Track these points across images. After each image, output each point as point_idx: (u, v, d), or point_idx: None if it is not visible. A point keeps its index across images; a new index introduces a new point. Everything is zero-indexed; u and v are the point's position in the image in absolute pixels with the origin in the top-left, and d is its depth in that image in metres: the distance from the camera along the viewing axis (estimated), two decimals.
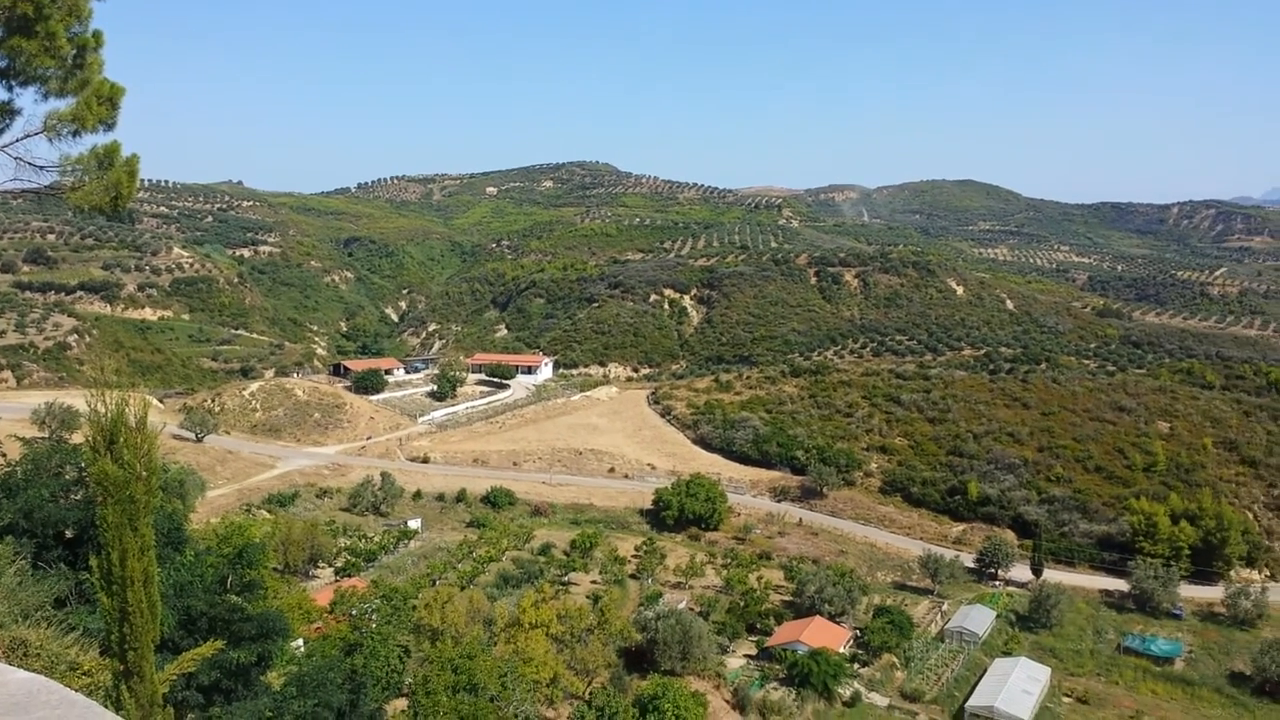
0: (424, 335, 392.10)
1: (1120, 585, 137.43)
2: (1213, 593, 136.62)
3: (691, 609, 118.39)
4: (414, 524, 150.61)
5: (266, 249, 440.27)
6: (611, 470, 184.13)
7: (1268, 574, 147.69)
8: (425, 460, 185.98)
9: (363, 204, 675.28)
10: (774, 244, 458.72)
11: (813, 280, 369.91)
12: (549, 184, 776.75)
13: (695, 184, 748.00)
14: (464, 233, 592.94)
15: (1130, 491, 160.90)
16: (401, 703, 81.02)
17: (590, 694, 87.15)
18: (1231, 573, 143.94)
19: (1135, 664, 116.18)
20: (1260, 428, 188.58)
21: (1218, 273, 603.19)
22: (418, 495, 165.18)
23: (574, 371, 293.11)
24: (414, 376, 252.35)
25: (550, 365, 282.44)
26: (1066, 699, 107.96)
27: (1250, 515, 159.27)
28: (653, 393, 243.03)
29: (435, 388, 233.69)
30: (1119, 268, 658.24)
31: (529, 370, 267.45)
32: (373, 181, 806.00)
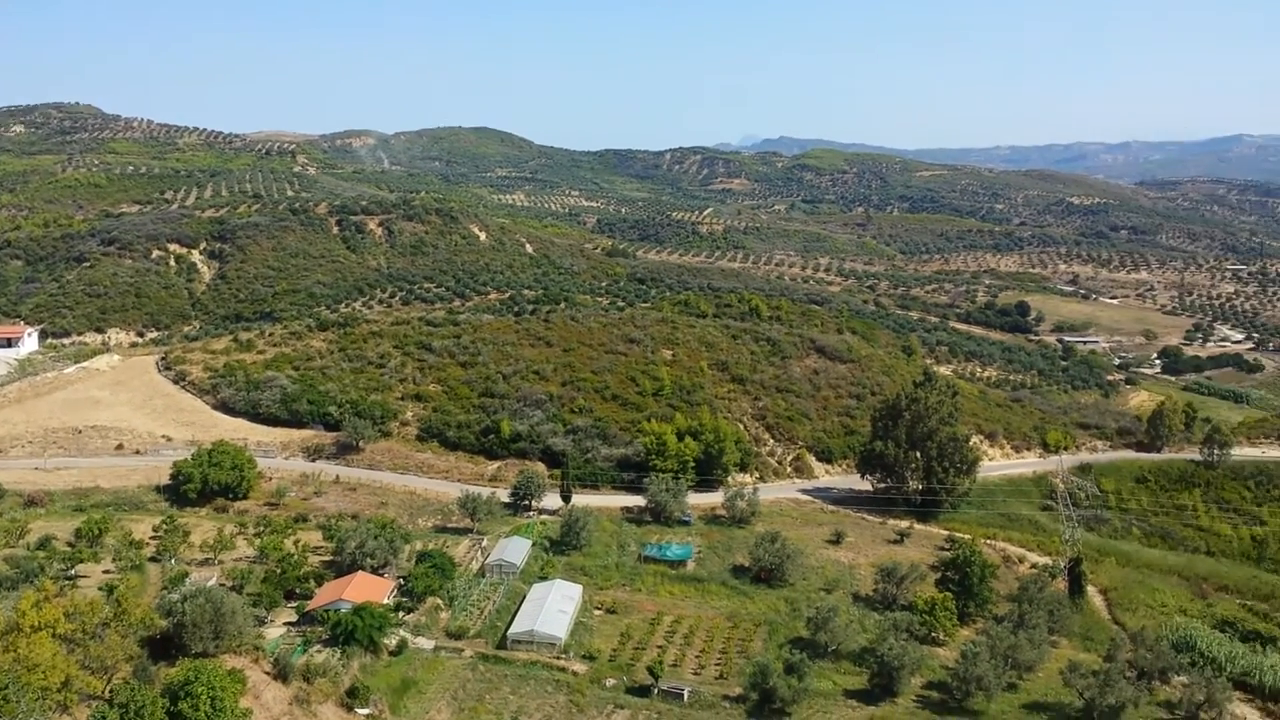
0: None
1: (639, 501, 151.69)
2: (715, 498, 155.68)
3: (223, 584, 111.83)
4: None
5: None
6: (120, 447, 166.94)
7: (758, 476, 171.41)
8: None
9: None
10: (290, 192, 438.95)
11: (335, 230, 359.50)
12: (20, 128, 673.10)
13: (197, 128, 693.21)
14: None
15: (643, 415, 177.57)
16: None
17: (112, 691, 79.62)
18: (729, 478, 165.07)
19: (655, 570, 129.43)
20: (745, 348, 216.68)
21: (705, 212, 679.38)
22: None
23: (66, 341, 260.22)
24: None
25: (35, 336, 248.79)
26: (598, 611, 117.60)
27: (741, 426, 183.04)
28: (163, 358, 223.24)
29: None
30: (623, 210, 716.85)
31: (8, 343, 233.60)
32: None
